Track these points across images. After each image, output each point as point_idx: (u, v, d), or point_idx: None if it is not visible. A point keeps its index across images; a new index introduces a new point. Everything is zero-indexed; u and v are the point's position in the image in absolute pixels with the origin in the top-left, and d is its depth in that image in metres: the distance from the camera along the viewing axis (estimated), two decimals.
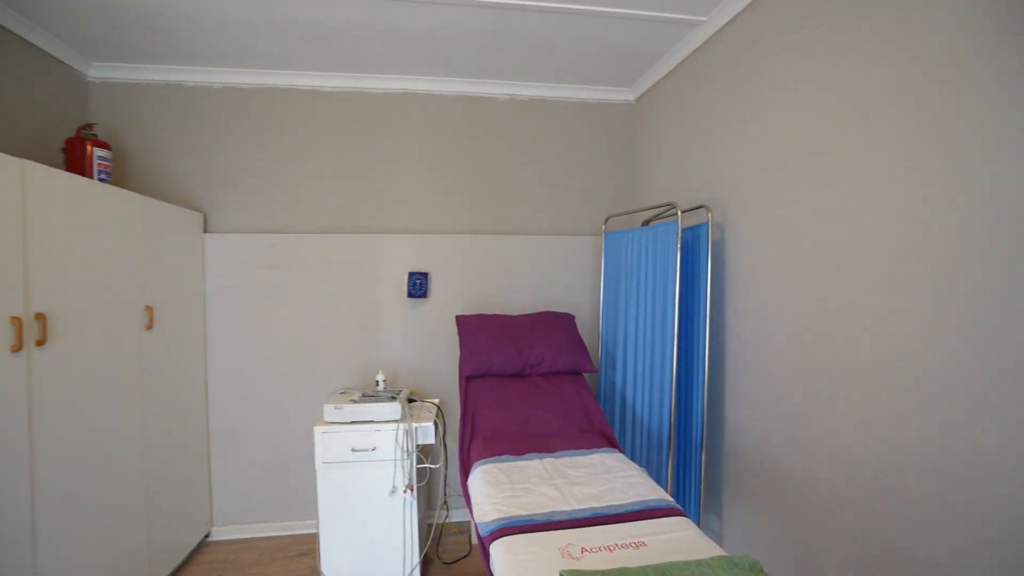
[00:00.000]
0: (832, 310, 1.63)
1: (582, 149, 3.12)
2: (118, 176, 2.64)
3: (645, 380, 2.40)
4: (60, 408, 1.70)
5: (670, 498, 1.57)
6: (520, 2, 2.15)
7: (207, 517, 2.74)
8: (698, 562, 1.10)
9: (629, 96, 3.14)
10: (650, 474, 2.37)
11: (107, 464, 1.93)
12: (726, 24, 2.21)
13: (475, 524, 1.53)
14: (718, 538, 2.26)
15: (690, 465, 2.25)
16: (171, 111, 2.75)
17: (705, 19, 2.30)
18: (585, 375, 2.77)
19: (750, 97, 2.06)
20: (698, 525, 2.17)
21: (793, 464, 1.81)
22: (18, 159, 1.54)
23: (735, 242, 2.15)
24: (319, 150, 2.87)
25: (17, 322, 1.52)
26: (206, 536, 2.75)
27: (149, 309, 2.21)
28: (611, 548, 1.28)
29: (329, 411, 2.20)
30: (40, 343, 1.61)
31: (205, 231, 2.76)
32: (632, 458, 2.52)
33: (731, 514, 2.17)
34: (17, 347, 1.52)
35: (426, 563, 2.47)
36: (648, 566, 1.06)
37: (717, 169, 2.29)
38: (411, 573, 2.18)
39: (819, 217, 1.69)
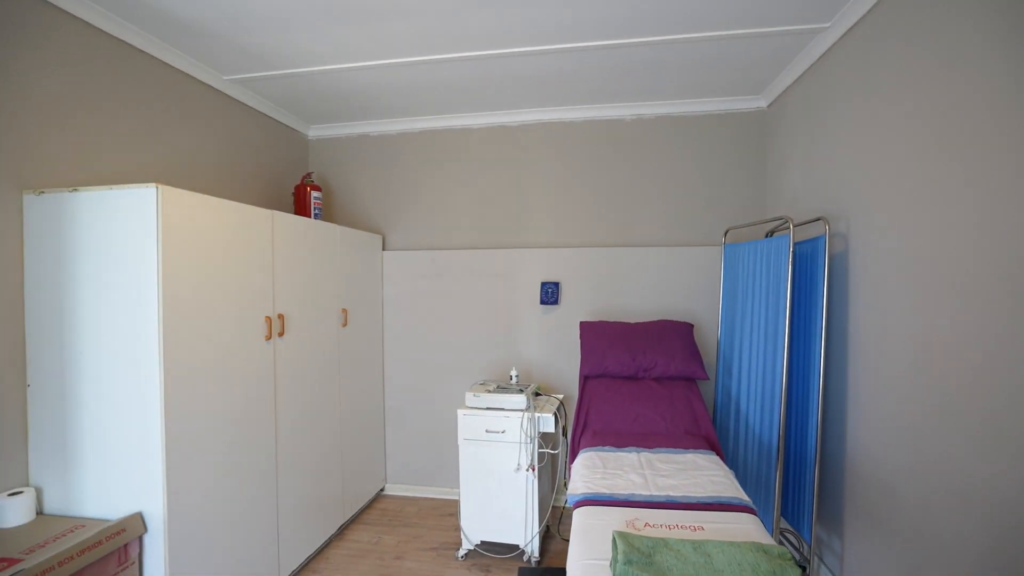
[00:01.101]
0: (959, 333, 1.55)
1: (708, 160, 3.17)
2: (326, 209, 3.52)
3: (757, 391, 2.42)
4: (291, 382, 2.44)
5: (746, 497, 1.66)
6: (636, 40, 2.37)
7: (382, 475, 3.48)
8: (730, 543, 1.23)
9: (761, 103, 3.10)
10: (759, 483, 2.39)
11: (317, 427, 2.67)
12: (850, 28, 2.15)
13: (567, 497, 1.83)
14: (839, 559, 2.19)
15: (804, 479, 2.23)
16: (361, 156, 3.56)
17: (828, 25, 2.25)
18: (700, 382, 2.85)
19: (874, 104, 1.99)
20: (809, 542, 2.16)
21: (910, 493, 1.74)
22: (269, 211, 2.29)
23: (858, 255, 2.09)
24: (469, 178, 3.43)
25: (268, 320, 2.26)
26: (381, 490, 3.49)
27: (345, 311, 2.95)
28: (670, 527, 1.46)
29: (469, 398, 2.68)
30: (280, 334, 2.35)
31: (384, 249, 3.50)
32: (743, 465, 2.54)
33: (854, 537, 2.10)
34: (269, 336, 2.26)
35: (547, 537, 2.82)
36: (686, 540, 1.24)
37: (841, 179, 2.23)
38: (531, 540, 2.55)
39: (946, 231, 1.61)
